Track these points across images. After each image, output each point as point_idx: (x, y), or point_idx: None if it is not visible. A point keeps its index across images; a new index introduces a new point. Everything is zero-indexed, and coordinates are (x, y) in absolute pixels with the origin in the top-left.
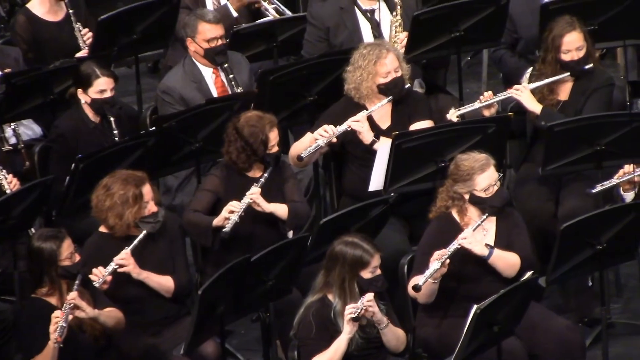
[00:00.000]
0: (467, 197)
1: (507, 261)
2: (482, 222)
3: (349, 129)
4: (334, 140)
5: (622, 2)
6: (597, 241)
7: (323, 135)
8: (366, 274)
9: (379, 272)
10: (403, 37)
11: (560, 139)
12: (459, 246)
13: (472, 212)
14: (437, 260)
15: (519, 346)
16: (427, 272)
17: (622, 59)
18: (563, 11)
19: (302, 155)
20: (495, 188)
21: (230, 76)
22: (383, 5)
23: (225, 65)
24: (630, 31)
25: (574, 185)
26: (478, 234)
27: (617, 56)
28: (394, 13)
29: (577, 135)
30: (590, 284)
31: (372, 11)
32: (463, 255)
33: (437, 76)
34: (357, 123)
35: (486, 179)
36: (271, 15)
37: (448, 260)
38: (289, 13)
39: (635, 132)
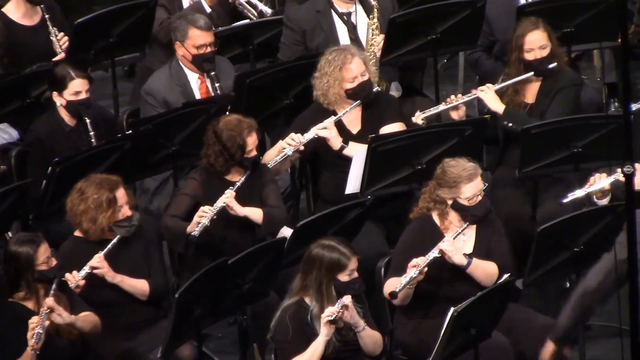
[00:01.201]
0: (450, 202)
1: (485, 271)
2: (462, 230)
3: (316, 136)
4: (302, 148)
5: (598, 4)
6: (574, 244)
7: (290, 144)
8: (343, 277)
9: (356, 275)
10: (380, 40)
11: (537, 141)
12: (438, 255)
13: (453, 216)
14: (415, 269)
15: (506, 343)
16: (404, 280)
17: (599, 61)
18: (539, 14)
19: (269, 165)
20: (479, 198)
21: (217, 84)
22: (359, 8)
23: (212, 73)
24: (607, 33)
25: (552, 188)
26: (457, 242)
27: (594, 58)
28: (371, 16)
29: (554, 137)
30: (567, 286)
31: (349, 14)
32: (440, 259)
33: (413, 79)
34: (324, 130)
35: (472, 189)
36: (245, 7)
37: (426, 269)
38: (260, 5)
39: (612, 134)
